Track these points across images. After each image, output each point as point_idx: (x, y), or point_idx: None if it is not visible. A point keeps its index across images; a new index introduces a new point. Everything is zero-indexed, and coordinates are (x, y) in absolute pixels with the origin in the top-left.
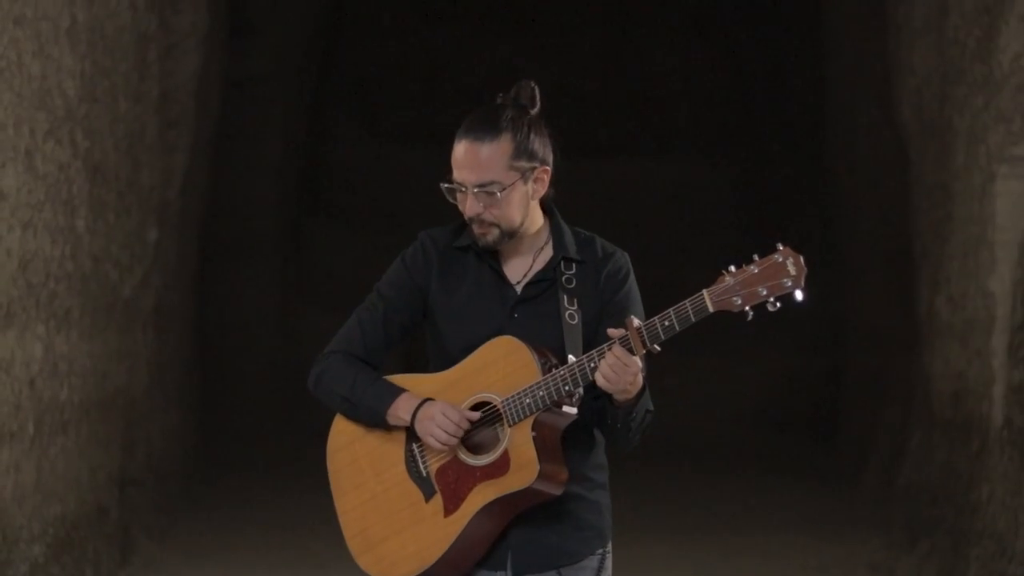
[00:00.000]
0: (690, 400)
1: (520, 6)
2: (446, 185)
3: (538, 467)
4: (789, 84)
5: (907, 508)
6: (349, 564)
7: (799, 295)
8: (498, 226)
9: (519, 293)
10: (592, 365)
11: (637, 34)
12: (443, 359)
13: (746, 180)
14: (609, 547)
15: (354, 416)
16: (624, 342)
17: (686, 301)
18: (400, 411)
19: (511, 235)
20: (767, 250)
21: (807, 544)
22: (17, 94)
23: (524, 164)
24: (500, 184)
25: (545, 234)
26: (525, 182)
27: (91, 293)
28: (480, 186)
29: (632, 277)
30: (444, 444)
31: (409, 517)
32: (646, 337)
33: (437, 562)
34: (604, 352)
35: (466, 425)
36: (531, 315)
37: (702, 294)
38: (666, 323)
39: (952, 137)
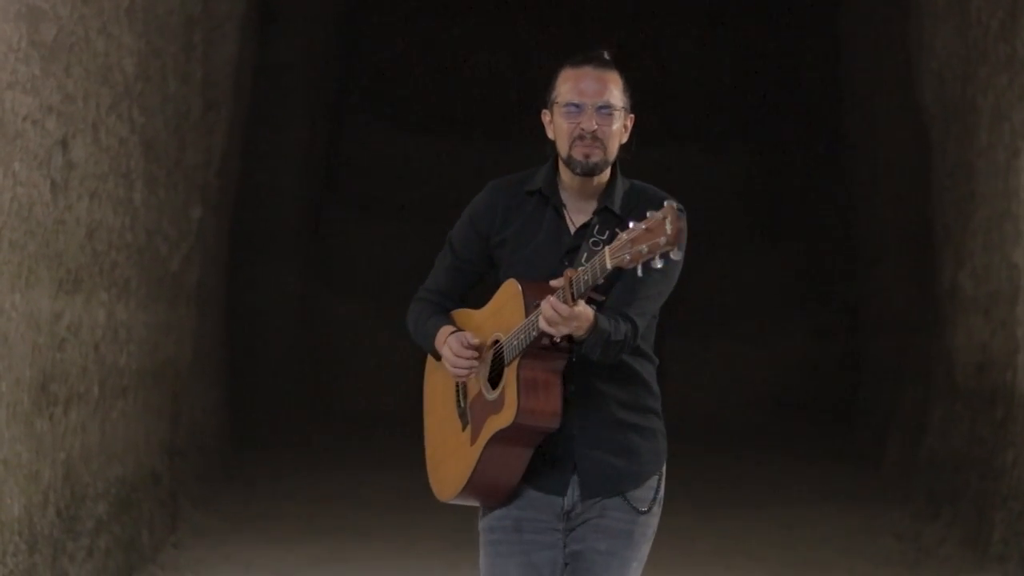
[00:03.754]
0: (709, 385)
1: None
2: (565, 105)
3: (516, 408)
4: (804, 70)
5: (929, 479)
6: (387, 533)
7: (674, 255)
8: (604, 147)
9: (572, 241)
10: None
11: (651, 23)
12: None
13: (760, 167)
14: (664, 468)
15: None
16: (558, 294)
17: (595, 256)
18: (438, 344)
19: (606, 163)
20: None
21: (831, 515)
22: (85, 69)
23: (627, 100)
24: (615, 107)
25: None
26: (624, 117)
27: (145, 265)
28: (602, 107)
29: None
30: (455, 368)
31: (453, 444)
32: (574, 291)
33: (465, 487)
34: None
35: (469, 350)
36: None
37: (604, 250)
38: (585, 277)
39: (975, 117)
